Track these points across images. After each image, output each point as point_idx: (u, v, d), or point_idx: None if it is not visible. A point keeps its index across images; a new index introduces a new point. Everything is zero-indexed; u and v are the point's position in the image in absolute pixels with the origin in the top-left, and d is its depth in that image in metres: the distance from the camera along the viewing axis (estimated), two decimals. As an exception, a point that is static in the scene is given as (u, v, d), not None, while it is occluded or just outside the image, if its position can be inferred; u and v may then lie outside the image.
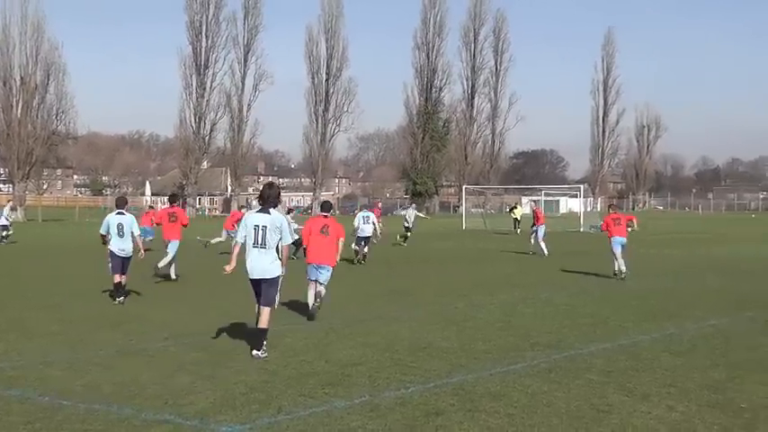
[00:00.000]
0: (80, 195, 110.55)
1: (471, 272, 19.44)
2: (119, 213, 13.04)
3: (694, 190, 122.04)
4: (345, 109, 78.78)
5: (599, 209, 69.27)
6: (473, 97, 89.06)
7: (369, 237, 22.03)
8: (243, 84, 74.11)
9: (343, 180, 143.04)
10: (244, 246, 8.78)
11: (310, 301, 11.43)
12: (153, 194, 69.27)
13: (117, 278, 12.81)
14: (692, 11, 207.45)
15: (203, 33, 71.92)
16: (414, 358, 8.52)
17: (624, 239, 17.71)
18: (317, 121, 78.38)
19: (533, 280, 17.29)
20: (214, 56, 72.25)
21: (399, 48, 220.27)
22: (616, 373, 7.87)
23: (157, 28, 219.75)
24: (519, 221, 41.42)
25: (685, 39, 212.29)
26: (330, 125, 78.72)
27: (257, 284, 8.80)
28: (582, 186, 54.92)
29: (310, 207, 76.47)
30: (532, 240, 25.21)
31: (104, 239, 13.04)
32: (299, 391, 7.08)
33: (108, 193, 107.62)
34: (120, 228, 12.87)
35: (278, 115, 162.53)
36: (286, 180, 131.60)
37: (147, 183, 74.48)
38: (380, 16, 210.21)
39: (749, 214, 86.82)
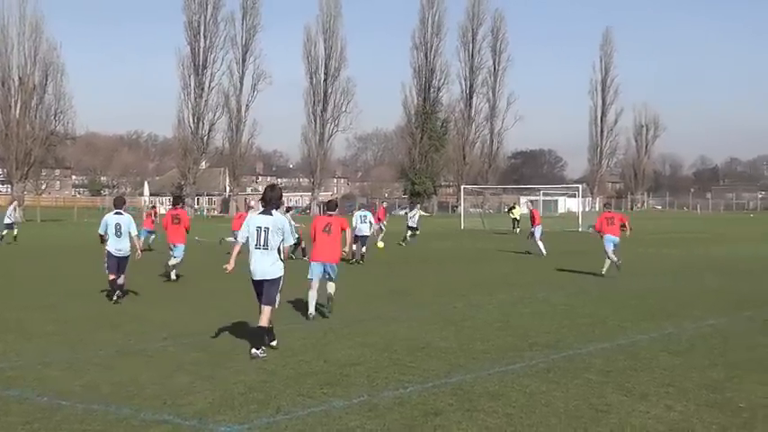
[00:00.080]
0: (78, 196, 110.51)
1: (470, 272, 19.46)
2: (116, 213, 13.09)
3: (693, 189, 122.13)
4: (344, 109, 79.04)
5: (597, 209, 69.25)
6: (471, 97, 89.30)
7: (366, 236, 22.12)
8: (241, 84, 74.31)
9: (342, 180, 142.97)
10: (245, 245, 8.84)
11: (311, 301, 11.42)
12: (151, 194, 69.33)
13: (112, 276, 12.85)
14: (690, 10, 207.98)
15: (201, 33, 72.11)
16: (412, 358, 8.52)
17: (617, 239, 17.92)
18: (315, 121, 78.47)
19: (532, 280, 17.30)
20: (212, 56, 72.55)
21: (397, 48, 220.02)
22: (614, 372, 7.88)
23: (155, 28, 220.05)
24: (518, 221, 41.42)
25: (683, 38, 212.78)
26: (328, 125, 78.87)
27: (259, 285, 8.86)
28: (580, 186, 55.01)
29: (308, 207, 76.45)
30: (530, 240, 25.22)
31: (103, 239, 13.10)
32: (297, 390, 7.08)
33: (106, 193, 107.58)
34: (117, 228, 12.92)
35: (276, 115, 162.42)
36: (284, 180, 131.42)
37: (146, 183, 74.58)
38: (379, 16, 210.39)
39: (747, 214, 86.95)
